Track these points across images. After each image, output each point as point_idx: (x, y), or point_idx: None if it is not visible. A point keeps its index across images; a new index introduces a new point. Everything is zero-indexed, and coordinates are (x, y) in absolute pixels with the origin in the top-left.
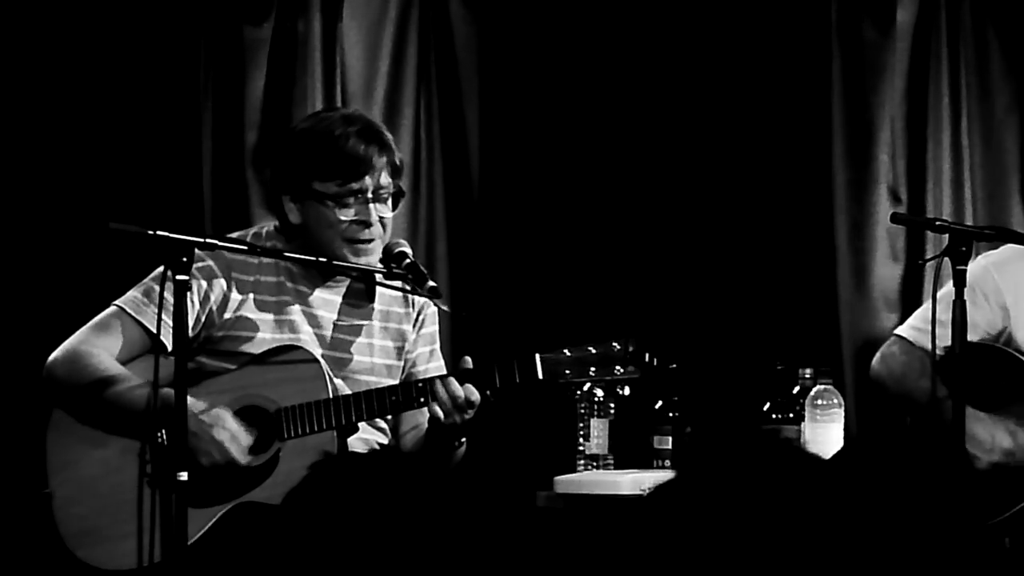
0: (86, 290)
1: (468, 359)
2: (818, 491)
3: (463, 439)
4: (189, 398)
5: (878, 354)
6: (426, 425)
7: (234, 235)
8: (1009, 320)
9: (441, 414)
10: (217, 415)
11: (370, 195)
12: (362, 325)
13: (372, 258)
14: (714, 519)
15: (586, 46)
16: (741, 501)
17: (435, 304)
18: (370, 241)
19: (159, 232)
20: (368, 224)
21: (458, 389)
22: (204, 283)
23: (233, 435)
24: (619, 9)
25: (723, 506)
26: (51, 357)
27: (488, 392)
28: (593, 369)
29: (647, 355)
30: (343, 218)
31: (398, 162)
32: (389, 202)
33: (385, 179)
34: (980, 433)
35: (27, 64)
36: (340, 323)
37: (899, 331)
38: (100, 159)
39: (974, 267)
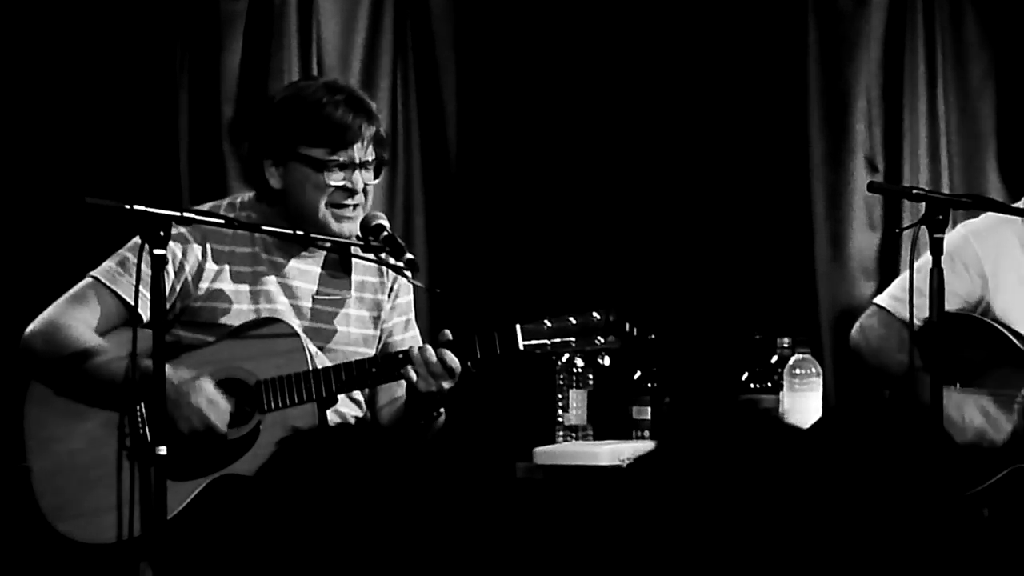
0: (63, 265)
1: (448, 332)
2: (797, 461)
3: (441, 410)
4: (168, 367)
5: (857, 324)
6: (404, 397)
7: (208, 205)
8: (987, 289)
9: (419, 380)
10: (196, 382)
11: (357, 163)
12: (339, 295)
13: (353, 225)
14: (694, 490)
15: (562, 18)
16: (721, 471)
17: (409, 280)
18: (354, 207)
19: (136, 207)
20: (354, 192)
21: (435, 355)
22: (179, 253)
23: (212, 401)
24: None
25: (703, 477)
26: (28, 330)
27: (469, 363)
28: (573, 339)
29: (627, 325)
30: (331, 183)
31: (383, 132)
32: (373, 171)
33: (370, 151)
34: (951, 412)
35: (0, 40)
36: (318, 294)
37: (878, 300)
38: (76, 134)
39: (953, 236)
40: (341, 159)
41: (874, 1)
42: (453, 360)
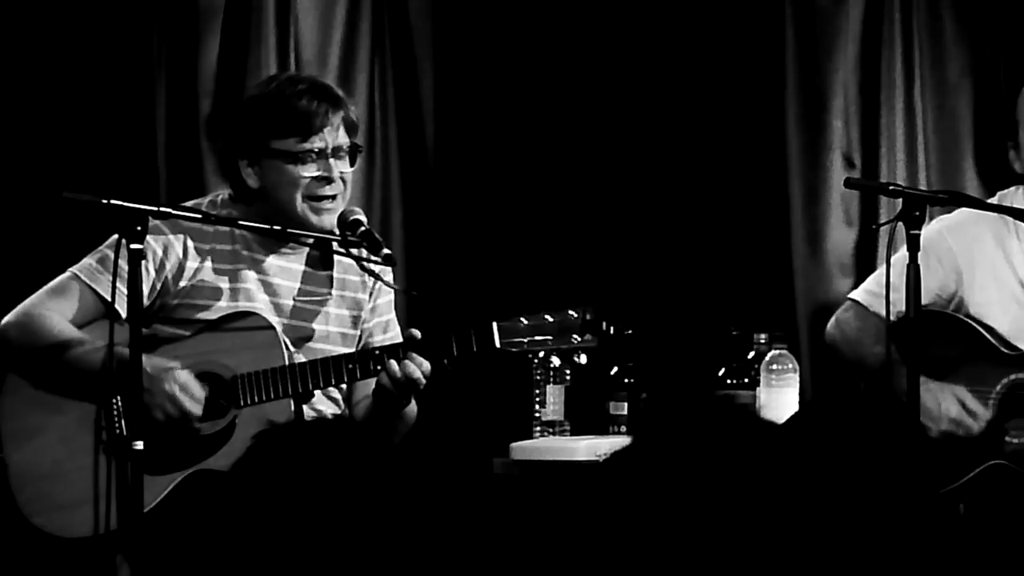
0: (39, 259)
1: (416, 331)
2: (773, 457)
3: (411, 397)
4: (143, 357)
5: (833, 319)
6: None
7: (189, 204)
8: (962, 284)
9: (391, 386)
10: (165, 369)
11: (329, 151)
12: (319, 293)
13: (333, 217)
14: (670, 485)
15: (540, 12)
16: (697, 467)
17: (385, 284)
18: (332, 198)
19: (113, 201)
20: (330, 180)
21: (411, 368)
22: (160, 251)
23: (183, 386)
24: None
25: (679, 472)
26: (3, 321)
27: (445, 361)
28: (550, 338)
29: (604, 323)
30: (305, 175)
31: (353, 117)
32: (347, 159)
33: (342, 136)
34: (927, 401)
35: None
36: (299, 293)
37: (853, 295)
38: (53, 128)
39: (928, 231)
40: (315, 146)
41: None
42: (423, 364)
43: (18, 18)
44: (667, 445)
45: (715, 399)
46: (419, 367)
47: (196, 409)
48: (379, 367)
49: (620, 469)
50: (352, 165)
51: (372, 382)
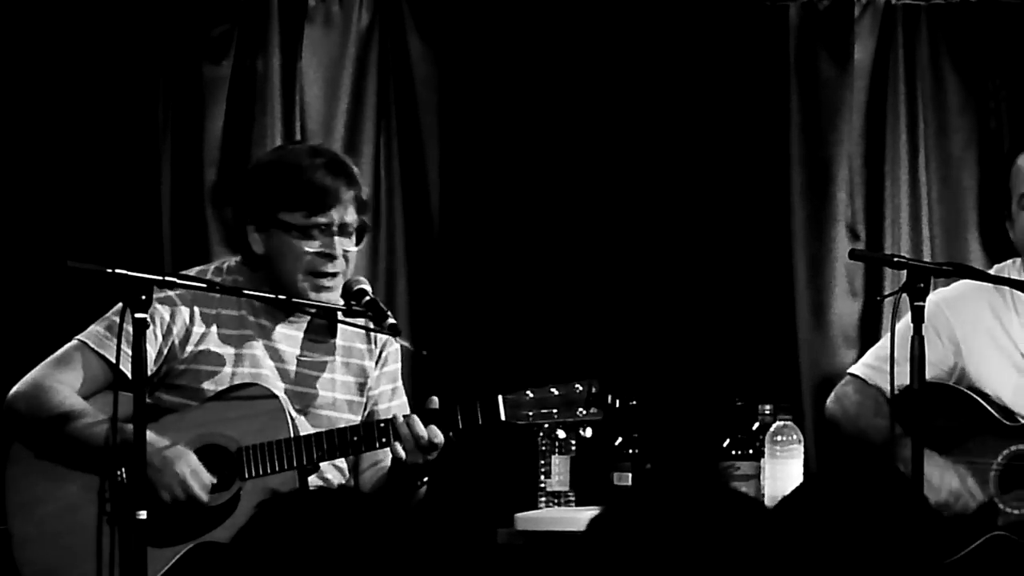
0: (45, 329)
1: (435, 399)
2: (758, 533)
3: (425, 478)
4: (150, 433)
5: (832, 394)
6: (387, 463)
7: (195, 269)
8: (961, 356)
9: (404, 454)
10: (178, 450)
11: (335, 228)
12: (325, 360)
13: (333, 295)
14: (648, 551)
15: (546, 85)
16: (674, 533)
17: (397, 341)
18: (333, 275)
19: (117, 270)
20: (332, 257)
21: (422, 429)
22: (167, 316)
23: (194, 470)
24: (578, 49)
25: (655, 539)
26: (12, 391)
27: (451, 433)
28: (555, 411)
29: (609, 397)
30: (308, 249)
31: (364, 197)
32: (354, 237)
33: (351, 214)
34: (929, 470)
35: None
36: (303, 358)
37: (853, 370)
38: (59, 196)
39: (926, 303)
40: (321, 221)
41: (857, 69)
42: (437, 435)
43: (25, 87)
44: (644, 512)
45: (697, 471)
46: (433, 436)
47: (203, 495)
48: (384, 439)
49: (599, 536)
50: (358, 243)
51: (378, 451)
